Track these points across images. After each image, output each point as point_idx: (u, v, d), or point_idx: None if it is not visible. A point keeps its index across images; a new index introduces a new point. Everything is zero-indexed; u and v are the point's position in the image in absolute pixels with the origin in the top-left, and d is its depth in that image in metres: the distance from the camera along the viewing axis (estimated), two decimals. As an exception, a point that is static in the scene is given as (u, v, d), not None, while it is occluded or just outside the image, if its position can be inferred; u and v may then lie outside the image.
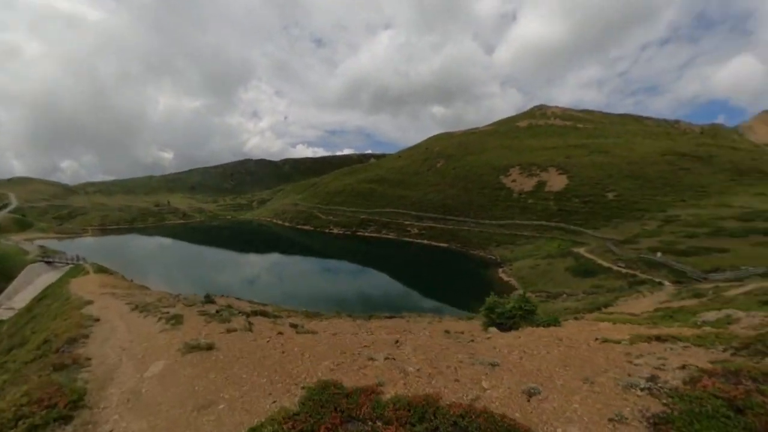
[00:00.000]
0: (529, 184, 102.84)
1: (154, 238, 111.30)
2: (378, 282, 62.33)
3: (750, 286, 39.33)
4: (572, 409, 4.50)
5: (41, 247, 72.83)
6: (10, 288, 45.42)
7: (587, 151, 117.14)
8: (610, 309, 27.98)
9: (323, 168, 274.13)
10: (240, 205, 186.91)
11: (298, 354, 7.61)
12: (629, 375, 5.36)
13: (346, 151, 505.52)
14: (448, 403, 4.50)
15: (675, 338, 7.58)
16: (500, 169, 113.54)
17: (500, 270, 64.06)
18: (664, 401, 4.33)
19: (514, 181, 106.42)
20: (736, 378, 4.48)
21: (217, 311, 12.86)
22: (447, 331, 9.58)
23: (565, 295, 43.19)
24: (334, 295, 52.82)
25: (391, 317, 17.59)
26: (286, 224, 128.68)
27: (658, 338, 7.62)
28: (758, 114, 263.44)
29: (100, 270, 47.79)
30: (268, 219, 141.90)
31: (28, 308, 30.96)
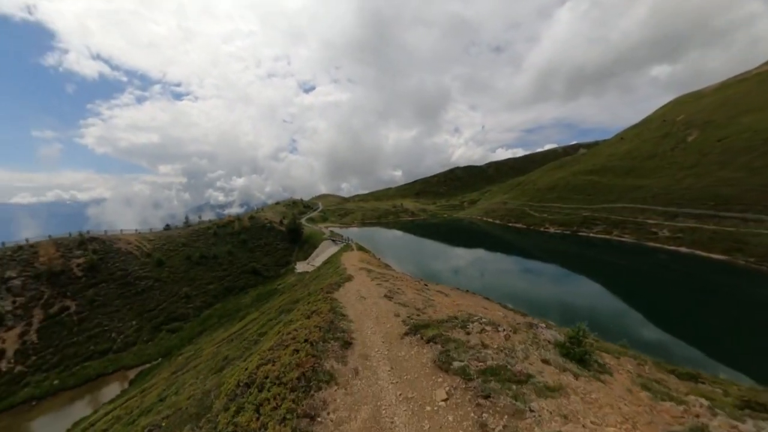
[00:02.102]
0: None
1: (391, 231, 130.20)
2: (595, 295, 43.46)
3: None
4: None
5: (331, 231, 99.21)
6: (314, 253, 64.21)
7: None
8: None
9: (526, 166, 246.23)
10: (453, 206, 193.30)
11: None
12: None
13: (547, 147, 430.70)
14: None
15: None
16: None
17: None
18: None
19: None
20: None
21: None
22: None
23: None
24: (535, 298, 41.55)
25: None
26: (497, 222, 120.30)
27: None
28: None
29: (360, 248, 58.17)
30: (478, 217, 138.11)
31: (319, 268, 39.87)
